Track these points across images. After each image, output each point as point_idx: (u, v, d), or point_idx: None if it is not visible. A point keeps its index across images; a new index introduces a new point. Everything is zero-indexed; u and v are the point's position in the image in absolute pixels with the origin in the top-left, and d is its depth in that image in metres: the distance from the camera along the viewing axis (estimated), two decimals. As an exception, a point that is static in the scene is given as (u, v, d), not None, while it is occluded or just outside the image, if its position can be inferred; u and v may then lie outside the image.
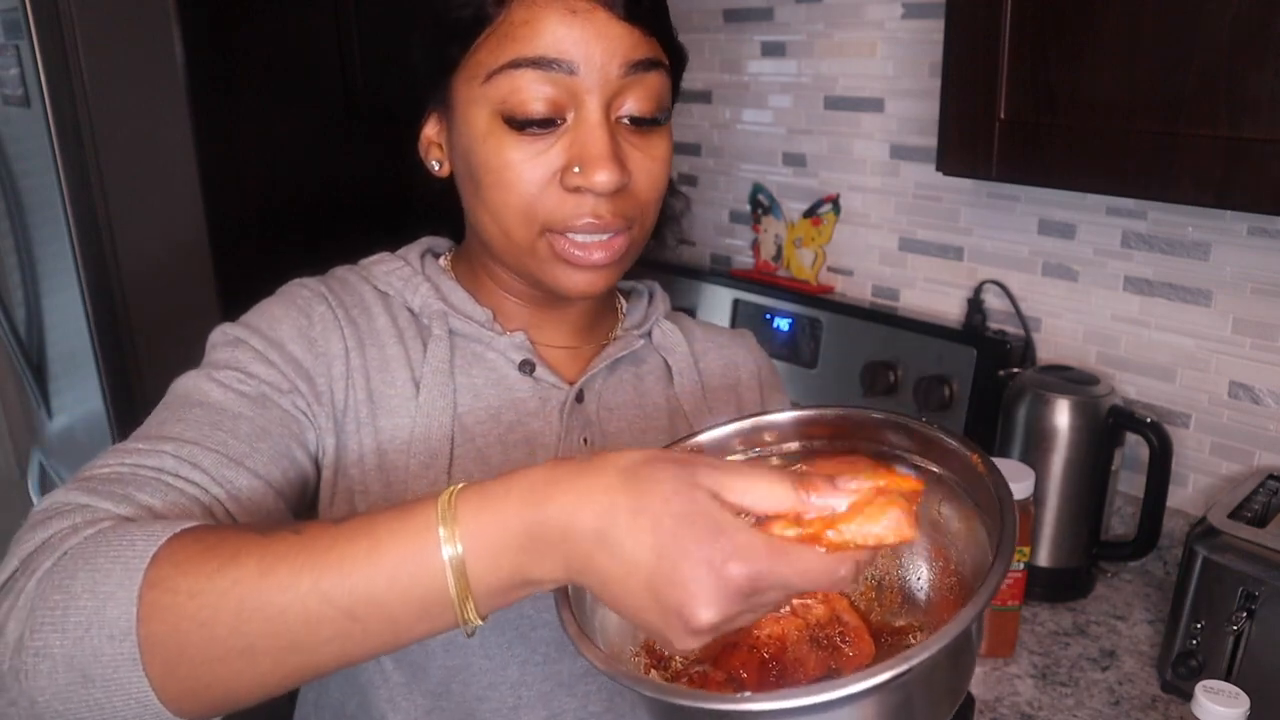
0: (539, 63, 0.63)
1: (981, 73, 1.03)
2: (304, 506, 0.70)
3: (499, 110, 0.65)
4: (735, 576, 0.45)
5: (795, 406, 0.66)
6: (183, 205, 1.62)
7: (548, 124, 0.65)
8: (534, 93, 0.63)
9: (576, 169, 0.64)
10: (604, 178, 0.64)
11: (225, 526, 0.55)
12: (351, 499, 0.69)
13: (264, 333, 0.69)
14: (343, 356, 0.70)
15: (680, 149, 1.79)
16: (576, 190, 0.65)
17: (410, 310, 0.75)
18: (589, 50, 0.63)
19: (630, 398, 0.79)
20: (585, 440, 0.75)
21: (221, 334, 0.70)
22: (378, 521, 0.50)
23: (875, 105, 1.49)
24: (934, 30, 1.32)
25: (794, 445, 0.65)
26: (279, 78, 1.75)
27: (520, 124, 0.64)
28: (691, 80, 1.73)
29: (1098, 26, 0.94)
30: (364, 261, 0.78)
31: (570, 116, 0.65)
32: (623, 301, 0.85)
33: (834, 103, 1.55)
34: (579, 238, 0.67)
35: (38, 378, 1.97)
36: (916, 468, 0.60)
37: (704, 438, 0.65)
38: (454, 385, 0.72)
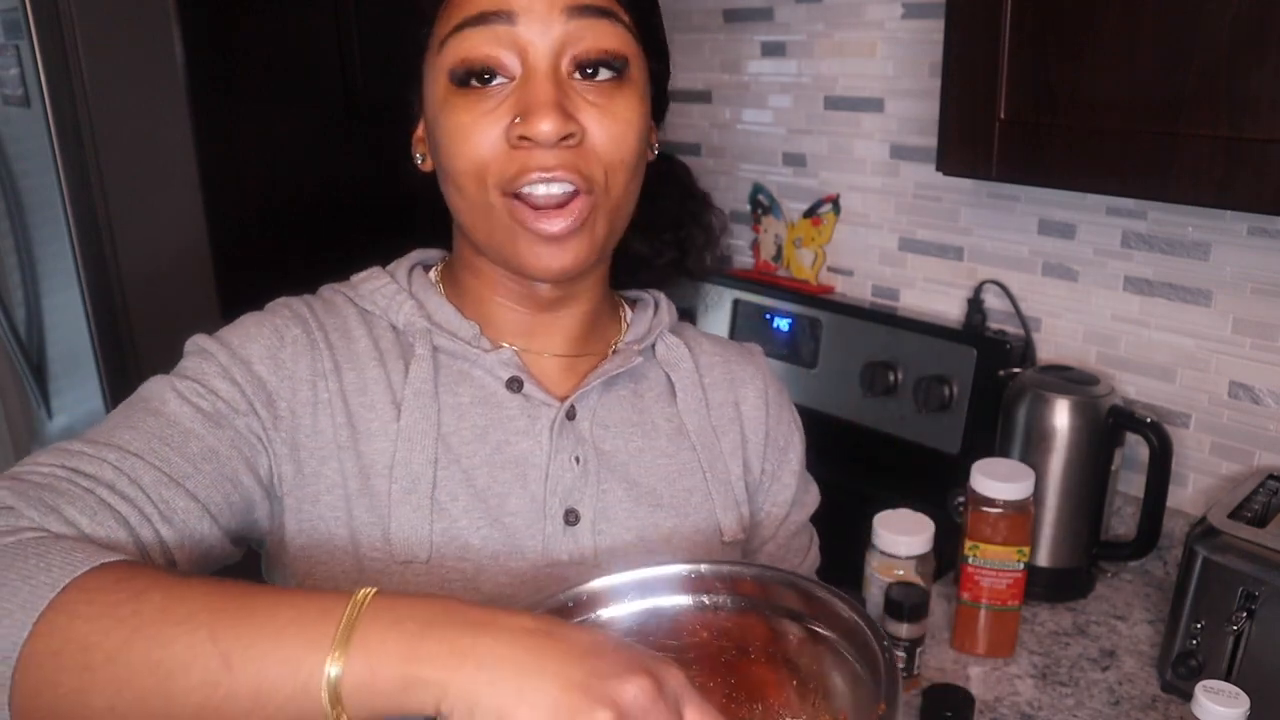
0: (481, 19, 0.62)
1: (981, 73, 1.03)
2: (247, 534, 0.68)
3: (448, 72, 0.64)
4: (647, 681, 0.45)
5: (691, 561, 0.65)
6: (183, 205, 1.62)
7: (489, 76, 0.63)
8: (477, 48, 0.63)
9: (518, 119, 0.62)
10: (546, 126, 0.61)
11: (147, 566, 0.54)
12: (334, 525, 0.67)
13: (233, 348, 0.67)
14: (310, 381, 0.68)
15: (680, 149, 1.79)
16: (522, 143, 0.62)
17: (395, 329, 0.73)
18: (528, 0, 0.62)
19: (628, 415, 0.76)
20: (577, 459, 0.71)
21: (193, 343, 0.69)
22: (291, 594, 0.49)
23: (875, 105, 1.49)
24: (934, 30, 1.32)
25: (687, 600, 0.64)
26: (279, 78, 1.75)
27: (461, 77, 0.63)
28: (692, 80, 1.73)
29: (1098, 26, 0.94)
30: (353, 278, 0.76)
31: (518, 74, 0.63)
32: (627, 311, 0.82)
33: (834, 103, 1.54)
34: (536, 193, 0.63)
35: (38, 378, 1.97)
36: (808, 629, 0.61)
37: (598, 584, 0.62)
38: (438, 405, 0.70)
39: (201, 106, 1.62)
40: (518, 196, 0.64)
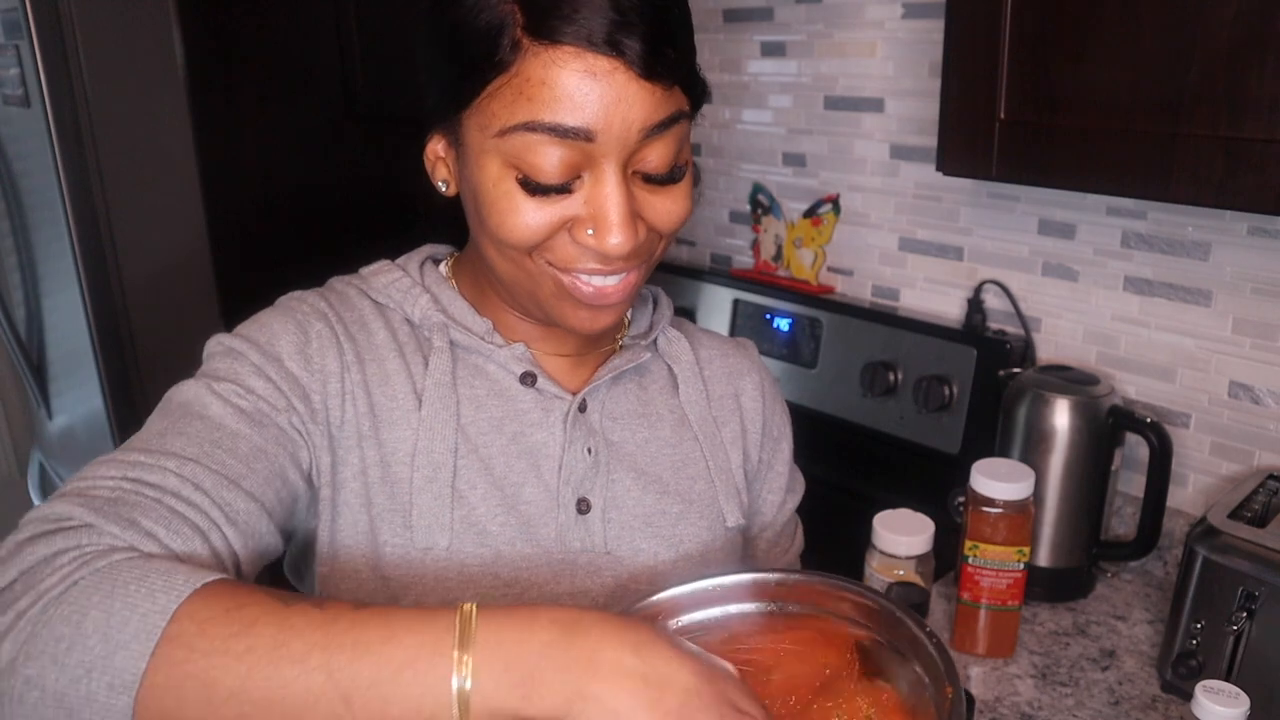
0: (555, 129, 0.60)
1: (981, 73, 1.03)
2: (290, 528, 0.70)
3: (512, 165, 0.62)
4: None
5: (753, 569, 0.68)
6: (183, 205, 1.62)
7: (562, 189, 0.63)
8: (549, 157, 0.61)
9: (590, 231, 0.63)
10: (616, 242, 0.62)
11: (246, 588, 0.54)
12: (355, 512, 0.69)
13: (262, 347, 0.68)
14: (339, 374, 0.69)
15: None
16: (589, 246, 0.64)
17: (410, 322, 0.74)
18: (608, 118, 0.60)
19: (634, 407, 0.79)
20: (589, 450, 0.74)
21: (219, 344, 0.68)
22: (396, 617, 0.51)
23: (875, 105, 1.49)
24: (934, 30, 1.32)
25: (751, 607, 0.67)
26: (279, 78, 1.75)
27: (534, 189, 0.63)
28: (691, 80, 1.73)
29: (1098, 26, 0.94)
30: (363, 271, 0.77)
31: (585, 175, 0.63)
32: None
33: (834, 103, 1.54)
34: (593, 282, 0.66)
35: (38, 378, 1.97)
36: (871, 634, 0.64)
37: (662, 596, 0.66)
38: (456, 397, 0.72)
39: (201, 106, 1.62)
40: (570, 273, 0.65)
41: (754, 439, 0.85)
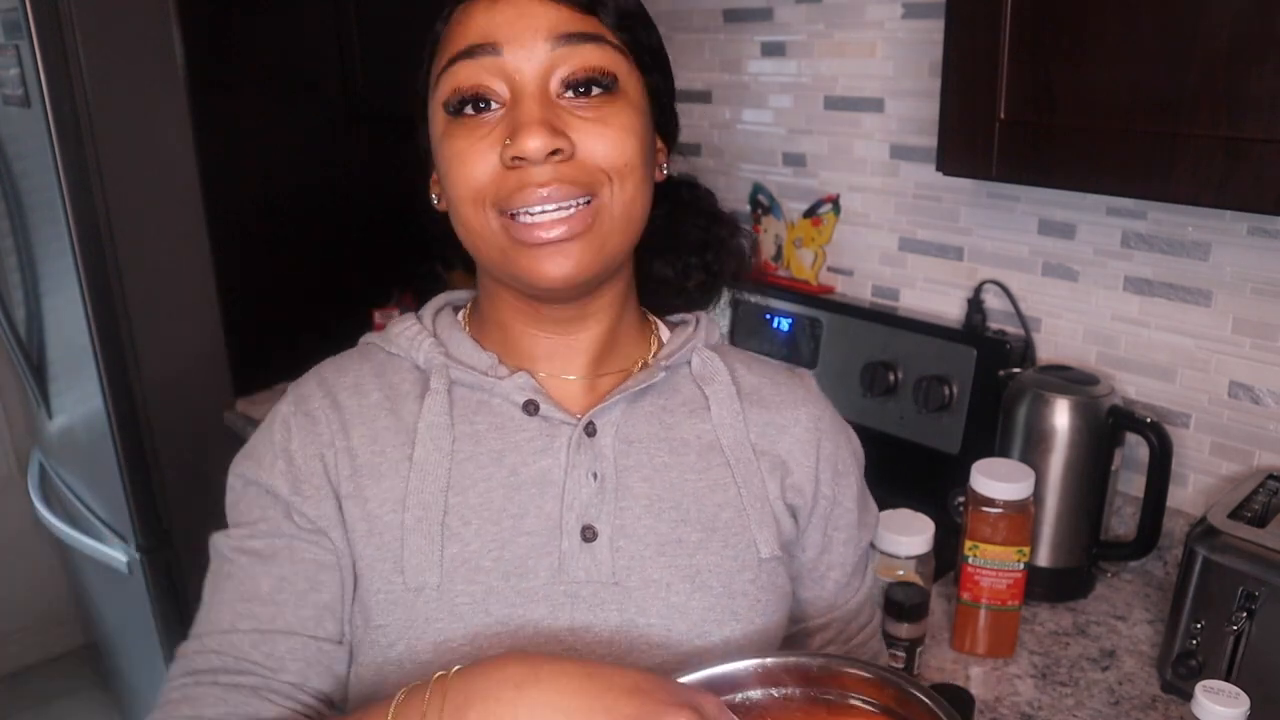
0: (469, 52, 0.65)
1: (981, 73, 1.03)
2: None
3: (444, 105, 0.66)
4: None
5: (758, 655, 0.66)
6: (183, 205, 1.62)
7: (482, 104, 0.65)
8: (466, 77, 0.65)
9: (509, 141, 0.64)
10: (534, 143, 0.62)
11: None
12: (348, 570, 0.70)
13: (255, 457, 0.71)
14: (318, 455, 0.71)
15: (680, 149, 1.79)
16: (515, 163, 0.63)
17: (418, 367, 0.74)
18: (513, 29, 0.64)
19: (655, 430, 0.74)
20: (594, 475, 0.71)
21: (229, 485, 0.73)
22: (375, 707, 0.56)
23: (875, 105, 1.49)
24: (934, 30, 1.32)
25: (757, 694, 0.65)
26: (279, 78, 1.75)
27: (455, 107, 0.65)
28: (691, 80, 1.73)
29: (1097, 26, 0.94)
30: (387, 327, 0.79)
31: (508, 99, 0.65)
32: (663, 331, 0.80)
33: (834, 103, 1.55)
34: (533, 215, 0.64)
35: (38, 378, 1.97)
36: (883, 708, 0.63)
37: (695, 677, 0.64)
38: (453, 435, 0.71)
39: (201, 106, 1.62)
40: (515, 217, 0.65)
41: (806, 472, 0.78)
